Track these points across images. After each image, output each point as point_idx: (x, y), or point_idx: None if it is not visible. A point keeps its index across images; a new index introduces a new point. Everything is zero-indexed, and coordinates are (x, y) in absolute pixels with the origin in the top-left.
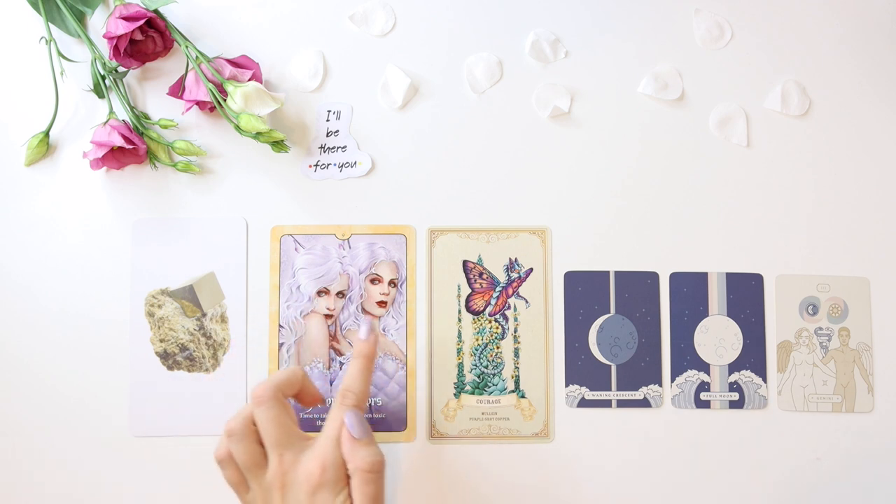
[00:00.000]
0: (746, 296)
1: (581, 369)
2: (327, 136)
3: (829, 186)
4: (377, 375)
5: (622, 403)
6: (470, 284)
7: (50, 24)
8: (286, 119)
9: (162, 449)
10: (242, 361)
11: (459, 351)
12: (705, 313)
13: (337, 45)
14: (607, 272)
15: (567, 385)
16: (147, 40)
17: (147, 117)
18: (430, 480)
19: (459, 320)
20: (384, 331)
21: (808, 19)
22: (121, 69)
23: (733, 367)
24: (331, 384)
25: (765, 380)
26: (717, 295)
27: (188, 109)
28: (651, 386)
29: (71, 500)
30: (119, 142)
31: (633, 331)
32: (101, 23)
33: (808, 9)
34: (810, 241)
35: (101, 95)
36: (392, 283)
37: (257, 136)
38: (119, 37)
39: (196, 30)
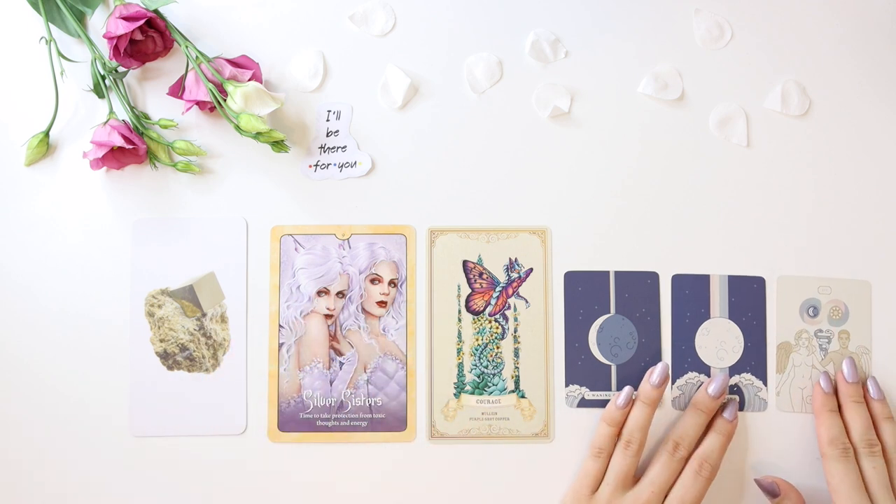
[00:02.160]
0: (748, 299)
1: (581, 369)
2: (327, 136)
3: (830, 187)
4: (377, 375)
5: None
6: (470, 284)
7: (50, 24)
8: (286, 119)
9: (162, 449)
10: (242, 361)
11: (459, 351)
12: (707, 315)
13: (337, 45)
14: (607, 272)
15: (567, 385)
16: (147, 40)
17: (147, 117)
18: (430, 480)
19: (459, 320)
20: (384, 331)
21: (808, 19)
22: (121, 69)
23: (734, 369)
24: (330, 384)
25: (765, 383)
26: (718, 297)
27: (188, 109)
28: None
29: (71, 500)
30: (119, 142)
31: (633, 331)
32: (101, 23)
33: (808, 9)
34: (811, 242)
35: (101, 95)
36: (392, 283)
37: (257, 136)
38: (119, 37)
39: (196, 30)
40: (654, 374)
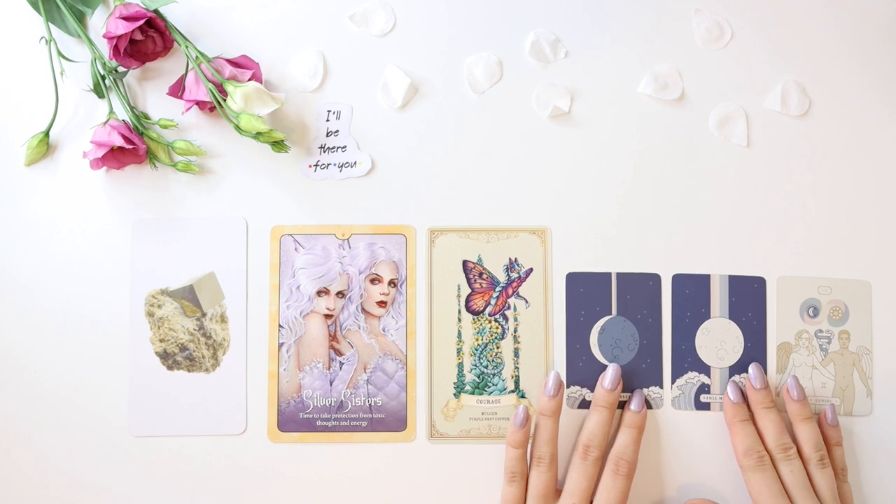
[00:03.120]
0: (748, 299)
1: (582, 370)
2: (327, 136)
3: (830, 187)
4: (377, 375)
5: (622, 404)
6: (470, 284)
7: (50, 24)
8: (286, 119)
9: (162, 449)
10: (242, 361)
11: (459, 351)
12: (707, 315)
13: (337, 45)
14: (609, 273)
15: (568, 386)
16: (147, 40)
17: (147, 117)
18: (430, 480)
19: (459, 320)
20: (384, 331)
21: (808, 19)
22: (121, 69)
23: (734, 369)
24: (330, 384)
25: None
26: (718, 297)
27: (188, 109)
28: (651, 388)
29: (71, 501)
30: (119, 142)
31: (635, 332)
32: (101, 23)
33: (808, 9)
34: (811, 242)
35: (101, 95)
36: (392, 283)
37: (257, 136)
38: (119, 37)
39: (196, 30)
40: (548, 384)
